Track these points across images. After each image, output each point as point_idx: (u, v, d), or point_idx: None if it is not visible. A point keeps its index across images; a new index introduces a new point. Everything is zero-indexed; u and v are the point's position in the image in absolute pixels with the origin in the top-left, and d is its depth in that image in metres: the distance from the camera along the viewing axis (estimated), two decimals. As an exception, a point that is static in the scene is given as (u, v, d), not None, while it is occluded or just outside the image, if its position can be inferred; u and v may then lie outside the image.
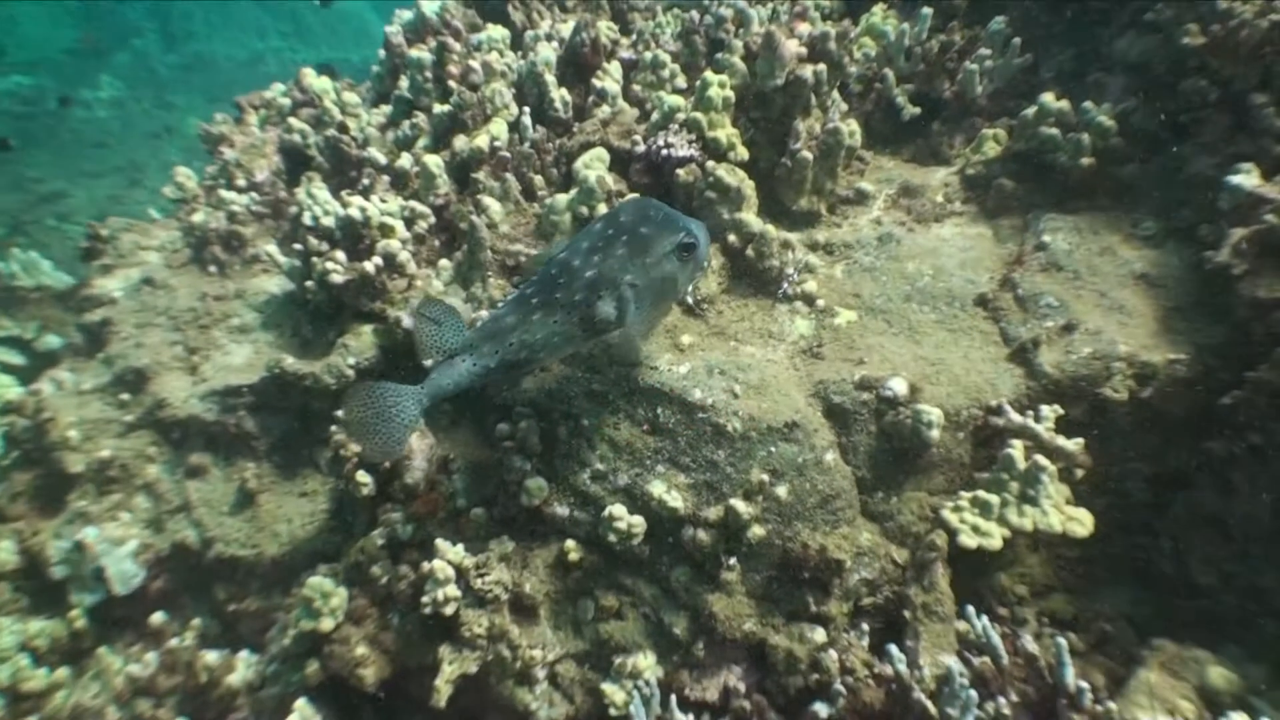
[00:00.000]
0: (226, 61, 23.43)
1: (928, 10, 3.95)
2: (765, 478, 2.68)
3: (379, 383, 2.49)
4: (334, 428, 3.28)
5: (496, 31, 4.01)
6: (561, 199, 3.41)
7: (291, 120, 4.37)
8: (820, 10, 4.46)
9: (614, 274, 2.51)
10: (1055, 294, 3.09)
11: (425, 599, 2.80)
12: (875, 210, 3.68)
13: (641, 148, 3.48)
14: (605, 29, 3.89)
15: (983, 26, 3.97)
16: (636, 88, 3.89)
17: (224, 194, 4.26)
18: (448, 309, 2.56)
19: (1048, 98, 3.52)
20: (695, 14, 4.24)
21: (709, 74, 3.42)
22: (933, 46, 3.99)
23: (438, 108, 3.81)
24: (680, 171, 3.36)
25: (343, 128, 4.17)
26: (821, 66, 3.47)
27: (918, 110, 4.00)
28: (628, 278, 2.51)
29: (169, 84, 20.80)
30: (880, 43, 4.14)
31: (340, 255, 3.51)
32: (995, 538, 2.56)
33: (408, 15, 4.51)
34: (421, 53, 4.00)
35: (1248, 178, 2.86)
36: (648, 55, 3.85)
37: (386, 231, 3.54)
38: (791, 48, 3.45)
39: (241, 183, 4.38)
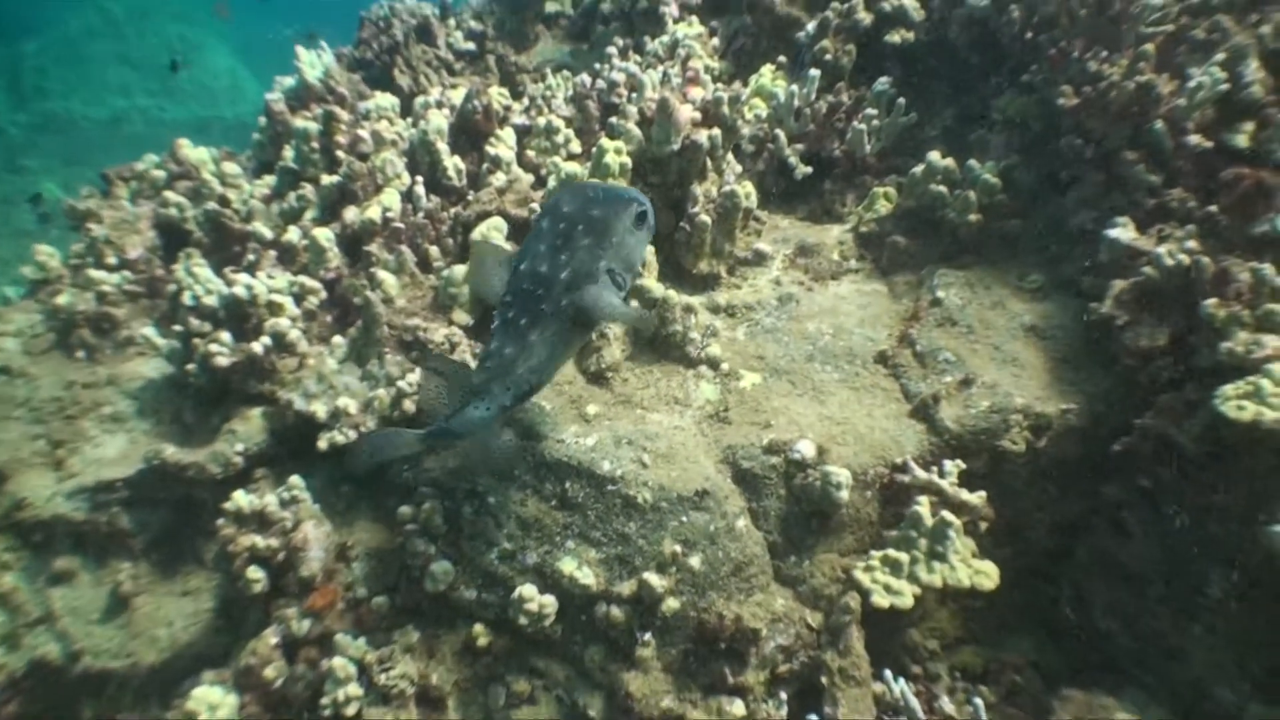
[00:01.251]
0: (85, 121, 21.95)
1: (815, 72, 4.16)
2: (678, 548, 2.70)
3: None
4: (221, 520, 3.16)
5: (385, 99, 4.04)
6: (459, 270, 3.43)
7: (167, 194, 4.27)
8: (710, 73, 4.67)
9: (589, 266, 2.49)
10: (952, 349, 3.24)
11: (325, 700, 2.70)
12: (774, 270, 3.81)
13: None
14: (497, 95, 3.97)
15: (868, 87, 4.22)
16: (531, 153, 3.96)
17: (93, 273, 4.10)
18: (450, 361, 2.60)
19: (934, 156, 3.72)
20: (587, 78, 4.37)
21: (605, 141, 3.51)
22: (821, 107, 4.20)
23: (325, 179, 3.79)
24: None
25: (224, 201, 4.09)
26: (716, 131, 3.61)
27: (809, 169, 4.18)
28: (602, 264, 2.50)
29: (20, 146, 19.52)
30: (770, 103, 4.34)
31: (225, 336, 3.42)
32: (907, 596, 2.64)
33: (289, 81, 4.48)
34: (307, 122, 3.97)
35: (1124, 231, 3.07)
36: (541, 121, 3.94)
37: (275, 309, 3.48)
38: (686, 113, 3.59)
39: (112, 261, 4.22)
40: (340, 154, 3.76)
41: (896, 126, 4.12)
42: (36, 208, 12.78)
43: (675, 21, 5.03)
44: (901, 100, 4.06)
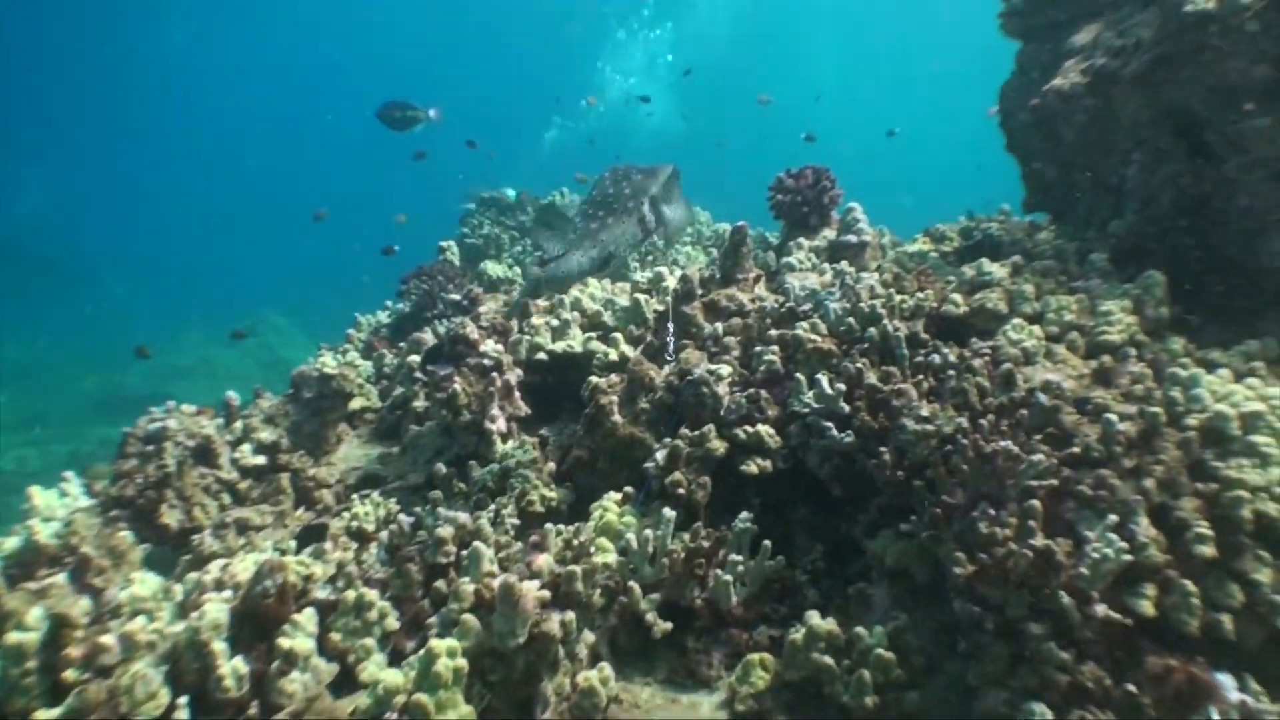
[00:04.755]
0: None
1: (670, 513, 3.96)
2: None
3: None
4: None
5: (146, 585, 3.31)
6: None
7: None
8: (548, 505, 4.40)
9: (645, 187, 4.03)
10: None
11: None
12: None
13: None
14: (295, 566, 3.43)
15: (728, 525, 4.06)
16: (336, 636, 3.38)
17: None
18: (559, 216, 3.90)
19: (814, 619, 3.50)
20: (406, 522, 3.95)
21: (435, 643, 3.00)
22: (678, 552, 3.97)
23: (43, 716, 2.89)
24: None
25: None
26: (570, 616, 3.23)
27: (669, 625, 3.85)
28: (654, 190, 3.99)
29: None
30: (618, 544, 4.08)
31: None
32: None
33: (11, 543, 3.68)
34: (23, 636, 2.92)
35: (1044, 719, 2.87)
36: (350, 595, 3.41)
37: None
38: (532, 597, 3.19)
39: None
40: (70, 674, 2.94)
41: (762, 570, 3.93)
42: None
43: (503, 439, 4.81)
44: (767, 542, 3.90)
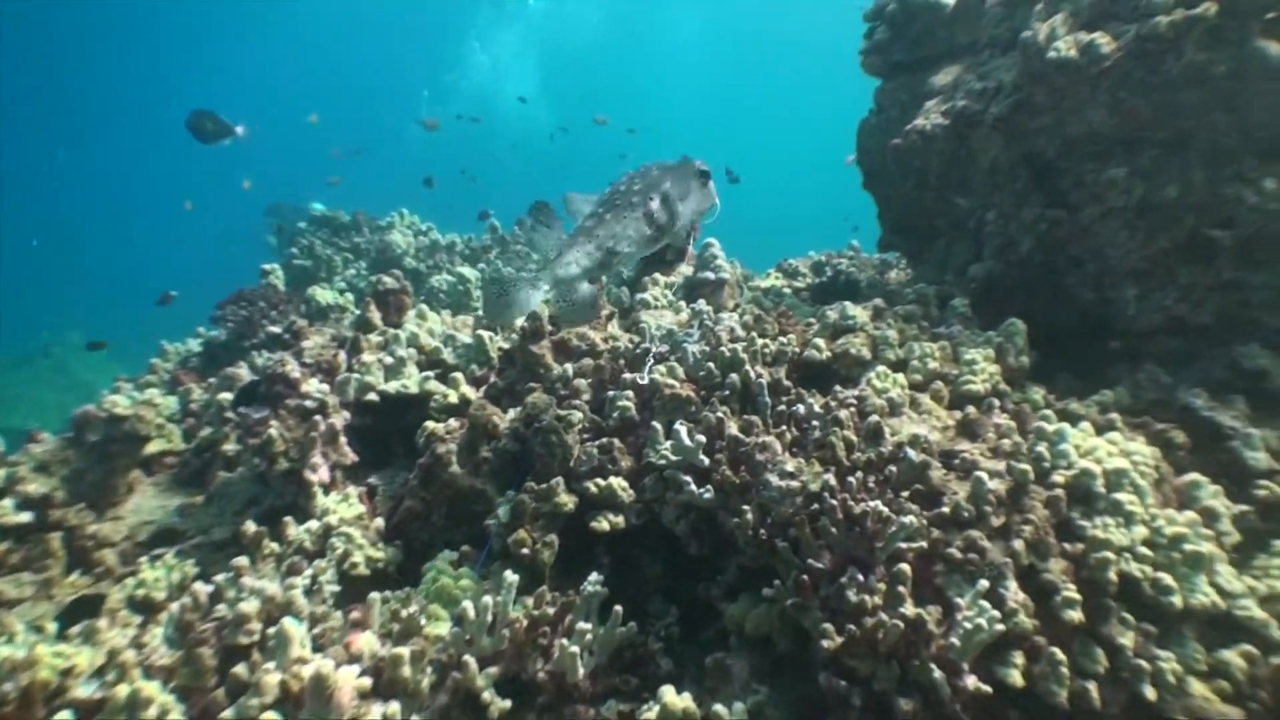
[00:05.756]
0: None
1: (513, 577, 3.61)
2: None
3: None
4: None
5: None
6: None
7: None
8: (375, 566, 3.97)
9: (656, 184, 3.76)
10: None
11: None
12: None
13: None
14: (49, 657, 2.86)
15: (576, 589, 3.74)
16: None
17: None
18: (551, 219, 3.61)
19: (668, 695, 3.27)
20: (203, 592, 3.43)
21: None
22: (520, 620, 3.63)
23: None
24: None
25: None
26: (394, 708, 2.84)
27: (507, 704, 3.48)
28: (667, 186, 3.75)
29: None
30: (453, 612, 3.70)
31: None
32: None
33: None
34: None
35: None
36: (122, 692, 2.87)
37: None
38: (349, 688, 2.78)
39: None
40: None
41: (613, 638, 3.62)
42: None
43: (325, 491, 4.33)
44: (618, 608, 3.61)
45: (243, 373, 5.94)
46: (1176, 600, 3.28)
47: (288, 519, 4.09)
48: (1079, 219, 4.48)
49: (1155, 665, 3.15)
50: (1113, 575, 3.28)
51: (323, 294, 8.44)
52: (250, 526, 3.98)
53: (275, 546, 3.96)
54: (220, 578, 3.42)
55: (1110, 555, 3.30)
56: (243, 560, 3.57)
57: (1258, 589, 3.44)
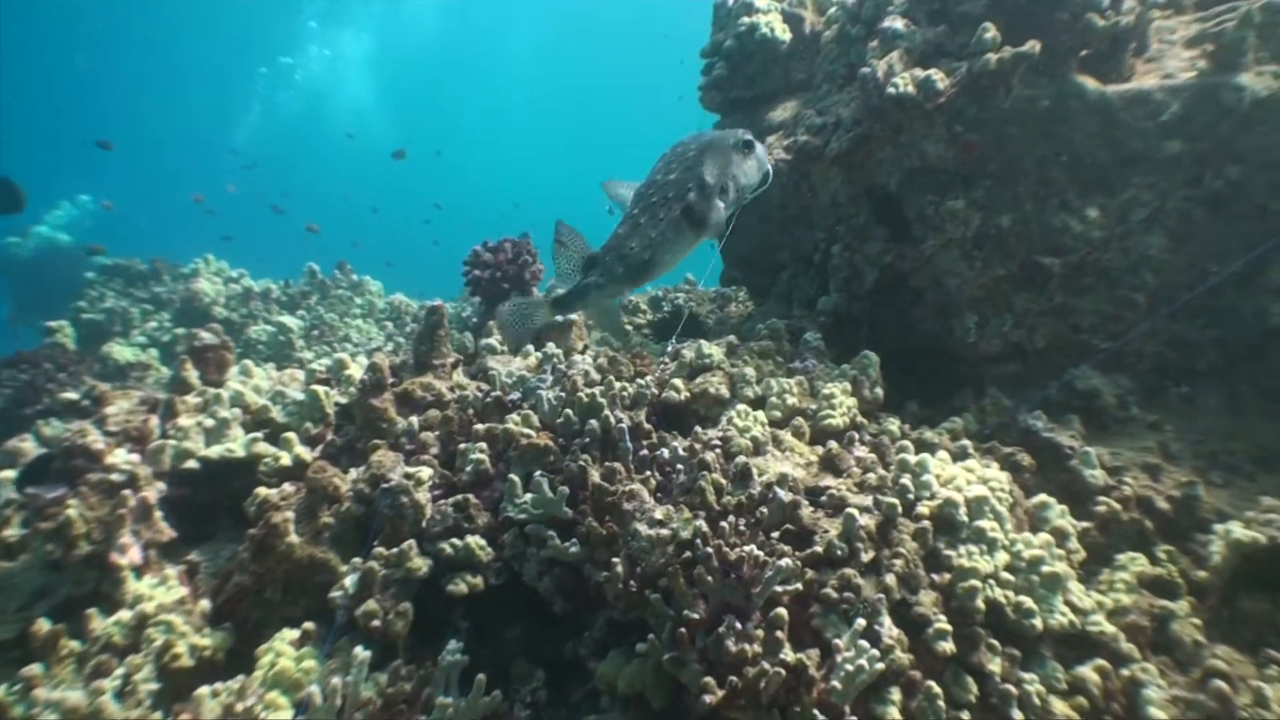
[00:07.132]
0: None
1: (365, 653, 3.35)
2: None
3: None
4: None
5: None
6: None
7: None
8: (200, 655, 3.58)
9: (698, 175, 3.42)
10: None
11: None
12: None
13: None
14: None
15: (433, 657, 3.50)
16: None
17: None
18: (576, 236, 3.51)
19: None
20: None
21: None
22: (373, 701, 3.35)
23: None
24: None
25: None
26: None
27: (370, 795, 3.20)
28: (708, 175, 3.42)
29: None
30: (296, 698, 3.38)
31: None
32: None
33: None
34: None
35: None
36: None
37: None
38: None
39: None
40: None
41: (477, 709, 3.41)
42: None
43: (138, 574, 3.88)
44: (481, 676, 3.40)
45: (28, 446, 5.31)
46: (1037, 622, 3.38)
47: (91, 611, 3.62)
48: (920, 250, 4.66)
49: (1021, 689, 3.23)
50: (980, 603, 3.36)
51: (120, 351, 7.76)
52: (43, 624, 3.48)
53: (76, 645, 3.49)
54: (2, 691, 2.96)
55: (977, 583, 3.38)
56: (34, 668, 3.12)
57: (1105, 603, 3.60)
